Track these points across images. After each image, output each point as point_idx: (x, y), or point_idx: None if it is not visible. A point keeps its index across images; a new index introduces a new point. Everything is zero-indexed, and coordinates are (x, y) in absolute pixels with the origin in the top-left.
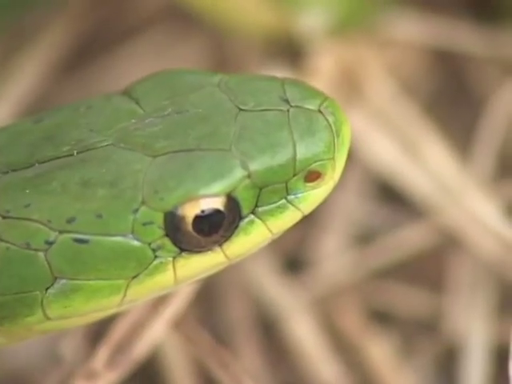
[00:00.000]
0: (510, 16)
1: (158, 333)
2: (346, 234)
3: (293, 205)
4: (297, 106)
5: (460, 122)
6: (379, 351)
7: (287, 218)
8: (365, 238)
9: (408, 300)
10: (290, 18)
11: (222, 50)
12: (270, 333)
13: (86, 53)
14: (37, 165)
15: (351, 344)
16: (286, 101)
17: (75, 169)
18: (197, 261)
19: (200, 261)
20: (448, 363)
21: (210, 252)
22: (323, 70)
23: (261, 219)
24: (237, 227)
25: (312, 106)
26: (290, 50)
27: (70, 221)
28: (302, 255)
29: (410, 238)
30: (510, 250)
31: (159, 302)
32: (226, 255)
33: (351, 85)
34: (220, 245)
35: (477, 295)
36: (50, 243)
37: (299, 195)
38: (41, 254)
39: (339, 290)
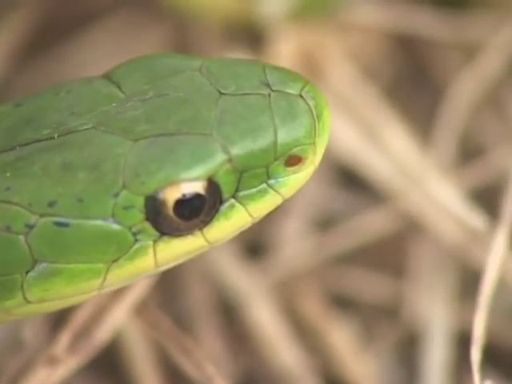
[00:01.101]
0: (471, 1)
1: (119, 318)
2: (307, 219)
3: (273, 189)
4: (278, 91)
5: (421, 107)
6: (340, 336)
7: (268, 203)
8: (326, 223)
9: (369, 285)
10: (252, 3)
11: (184, 35)
12: (230, 318)
13: (47, 40)
14: (17, 148)
15: (312, 329)
16: (267, 85)
17: (56, 152)
18: (177, 245)
19: (180, 245)
20: (409, 349)
21: (190, 236)
22: (283, 55)
23: (241, 203)
24: (217, 211)
25: (293, 90)
26: (252, 34)
27: (50, 204)
28: (262, 240)
29: (371, 224)
30: (471, 236)
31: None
32: (206, 239)
33: (312, 70)
34: (200, 229)
35: (438, 281)
36: (30, 226)
37: (280, 180)
38: (21, 238)
39: (300, 275)
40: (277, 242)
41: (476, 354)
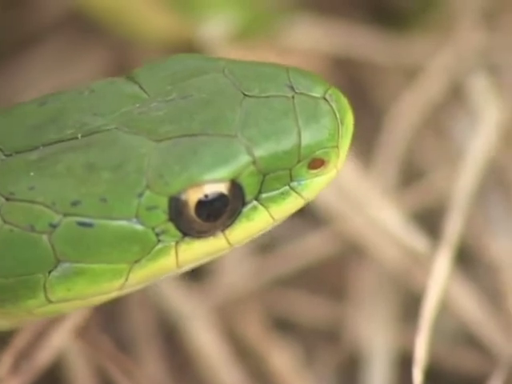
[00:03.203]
0: (410, 23)
1: (61, 340)
2: (248, 242)
3: (296, 192)
4: (302, 93)
5: (362, 130)
6: (280, 359)
7: (290, 205)
8: (268, 246)
9: (311, 308)
10: (192, 26)
11: (124, 57)
12: (172, 340)
13: None
14: (41, 148)
15: (253, 351)
16: (291, 87)
17: (80, 152)
18: (199, 246)
19: (202, 246)
20: (351, 371)
21: (212, 237)
22: None
23: (264, 205)
24: (240, 213)
25: (317, 93)
26: None
27: (74, 204)
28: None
29: (313, 247)
30: (413, 258)
31: None
32: (228, 241)
33: None
34: (222, 230)
35: (379, 303)
36: (54, 226)
37: (302, 182)
38: (44, 237)
39: (242, 298)
40: (218, 265)
41: (418, 376)
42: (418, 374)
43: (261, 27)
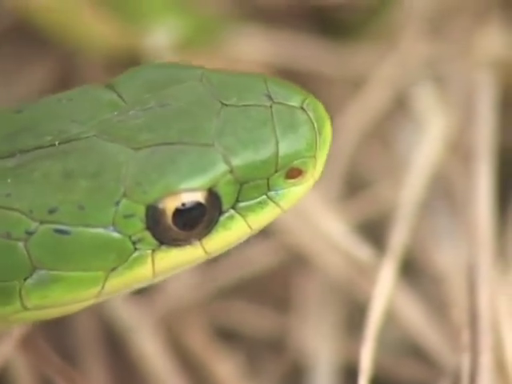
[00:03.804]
0: (356, 33)
1: (5, 352)
2: None
3: (273, 201)
4: (279, 103)
5: None
6: (224, 369)
7: (267, 215)
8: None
9: (255, 318)
10: (137, 36)
11: (69, 67)
12: (117, 350)
13: None
14: (18, 154)
15: (197, 362)
16: (269, 97)
17: (57, 159)
18: (176, 255)
19: (179, 255)
20: (295, 381)
21: (189, 246)
22: None
23: (241, 214)
24: (217, 222)
25: (295, 102)
26: (137, 65)
27: (51, 211)
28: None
29: (257, 257)
30: (357, 269)
31: None
32: (204, 250)
33: None
34: (199, 239)
35: (324, 313)
36: (30, 233)
37: (280, 192)
38: (20, 244)
39: (186, 308)
40: None
41: None
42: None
43: (205, 36)
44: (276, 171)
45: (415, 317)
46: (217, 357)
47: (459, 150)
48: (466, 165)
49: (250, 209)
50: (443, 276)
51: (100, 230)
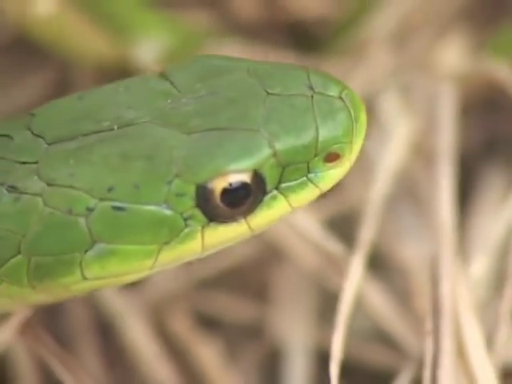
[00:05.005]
0: (326, 47)
1: (4, 338)
2: None
3: (312, 183)
4: (320, 93)
5: None
6: (206, 354)
7: (307, 195)
8: None
9: (234, 307)
10: (125, 48)
11: (64, 78)
12: (108, 336)
13: None
14: (80, 138)
15: (181, 346)
16: (310, 87)
17: (115, 143)
18: (223, 231)
19: (226, 231)
20: (272, 366)
21: (235, 223)
22: None
23: (283, 195)
24: (261, 201)
25: (333, 92)
26: (127, 75)
27: (109, 190)
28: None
29: (236, 250)
30: (329, 261)
31: None
32: (249, 227)
33: None
34: (245, 217)
35: (298, 303)
36: (90, 210)
37: (319, 174)
38: (82, 220)
39: (170, 297)
40: None
41: (335, 371)
42: (334, 369)
43: (189, 49)
44: (316, 155)
45: (382, 306)
46: (199, 342)
47: (423, 153)
48: (429, 166)
49: (291, 189)
50: (408, 268)
51: (153, 207)
